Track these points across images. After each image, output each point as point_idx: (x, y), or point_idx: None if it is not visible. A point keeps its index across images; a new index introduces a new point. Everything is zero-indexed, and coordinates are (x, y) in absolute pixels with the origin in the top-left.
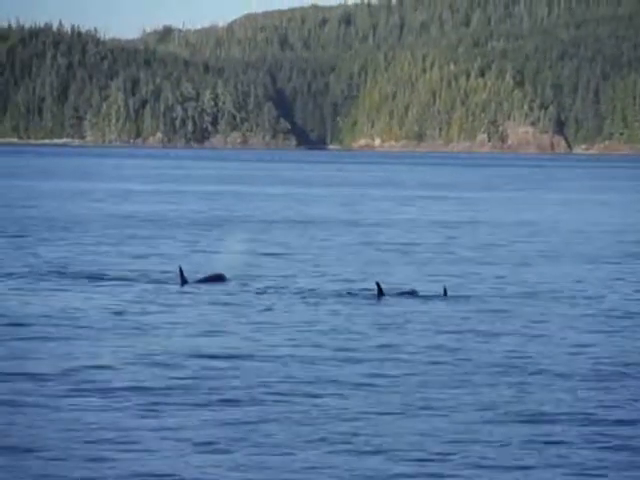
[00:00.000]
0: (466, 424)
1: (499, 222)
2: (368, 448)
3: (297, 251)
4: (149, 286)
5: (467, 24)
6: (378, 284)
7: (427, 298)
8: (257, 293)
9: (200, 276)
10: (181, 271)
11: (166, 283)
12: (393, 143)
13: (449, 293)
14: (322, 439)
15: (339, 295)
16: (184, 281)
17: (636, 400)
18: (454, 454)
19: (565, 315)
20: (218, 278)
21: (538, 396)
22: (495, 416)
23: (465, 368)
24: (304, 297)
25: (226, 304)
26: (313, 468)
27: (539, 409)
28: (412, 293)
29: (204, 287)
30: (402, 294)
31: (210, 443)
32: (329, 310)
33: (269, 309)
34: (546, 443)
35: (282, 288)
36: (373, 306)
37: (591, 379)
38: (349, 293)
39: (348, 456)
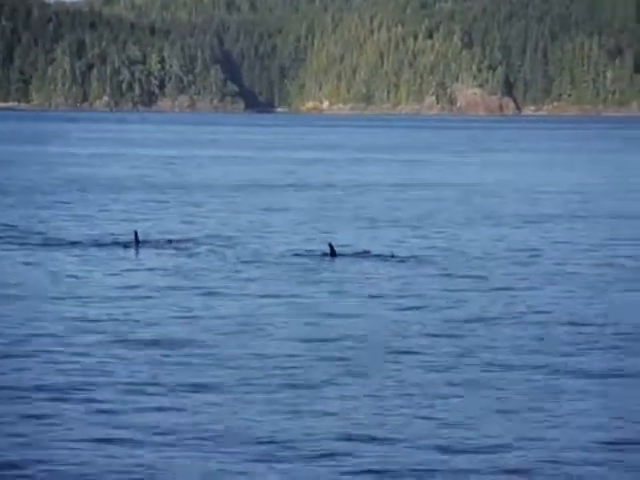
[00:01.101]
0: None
1: (446, 183)
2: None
3: (245, 214)
4: (97, 249)
5: None
6: (331, 245)
7: (379, 258)
8: (207, 255)
9: (151, 239)
10: (136, 235)
11: (114, 246)
12: (341, 106)
13: (397, 254)
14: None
15: (291, 256)
16: (137, 242)
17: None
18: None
19: (507, 274)
20: (169, 242)
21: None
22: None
23: (412, 324)
24: (254, 259)
25: (175, 267)
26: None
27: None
28: (364, 254)
29: (155, 251)
30: (354, 255)
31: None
32: (281, 271)
33: (218, 272)
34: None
35: (231, 249)
36: (326, 266)
37: (535, 336)
38: (298, 254)
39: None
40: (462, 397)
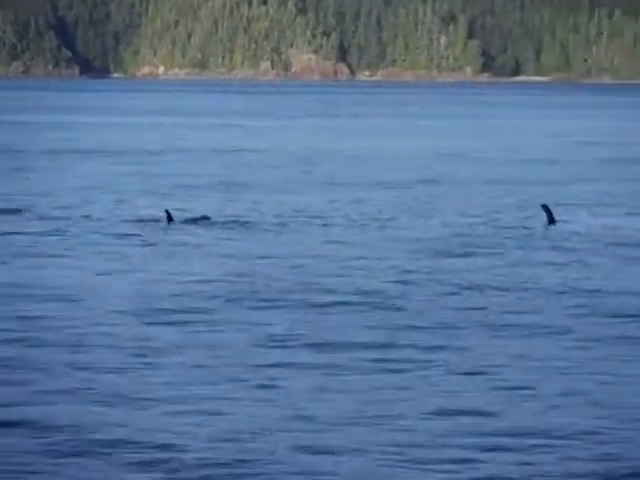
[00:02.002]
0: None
1: (281, 150)
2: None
3: (81, 181)
4: None
5: None
6: (167, 211)
7: (221, 224)
8: (47, 220)
9: None
10: None
11: None
12: (176, 71)
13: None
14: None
15: (128, 222)
16: None
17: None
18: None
19: (338, 236)
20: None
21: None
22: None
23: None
24: (92, 226)
25: None
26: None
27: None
28: (204, 219)
29: None
30: (192, 220)
31: None
32: (118, 235)
33: (61, 235)
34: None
35: (68, 218)
36: (160, 232)
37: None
38: (138, 220)
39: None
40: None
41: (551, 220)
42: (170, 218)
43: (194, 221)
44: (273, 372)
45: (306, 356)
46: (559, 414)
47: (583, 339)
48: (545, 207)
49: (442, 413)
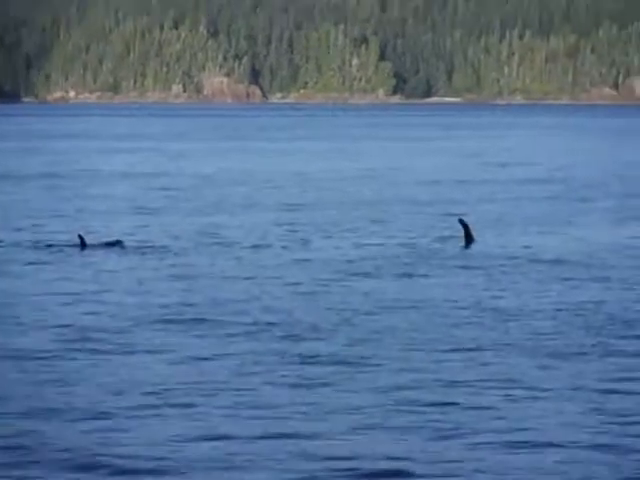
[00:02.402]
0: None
1: (194, 173)
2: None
3: None
4: None
5: None
6: (80, 236)
7: (135, 248)
8: None
9: None
10: None
11: None
12: (88, 95)
13: (128, 244)
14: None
15: (40, 246)
16: None
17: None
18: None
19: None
20: None
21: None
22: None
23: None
24: (3, 251)
25: None
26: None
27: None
28: (118, 243)
29: None
30: (106, 245)
31: None
32: (30, 260)
33: None
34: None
35: None
36: (74, 257)
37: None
38: (50, 245)
39: None
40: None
41: (469, 238)
42: (83, 243)
43: (108, 245)
44: (189, 392)
45: (221, 376)
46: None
47: (493, 354)
48: (463, 224)
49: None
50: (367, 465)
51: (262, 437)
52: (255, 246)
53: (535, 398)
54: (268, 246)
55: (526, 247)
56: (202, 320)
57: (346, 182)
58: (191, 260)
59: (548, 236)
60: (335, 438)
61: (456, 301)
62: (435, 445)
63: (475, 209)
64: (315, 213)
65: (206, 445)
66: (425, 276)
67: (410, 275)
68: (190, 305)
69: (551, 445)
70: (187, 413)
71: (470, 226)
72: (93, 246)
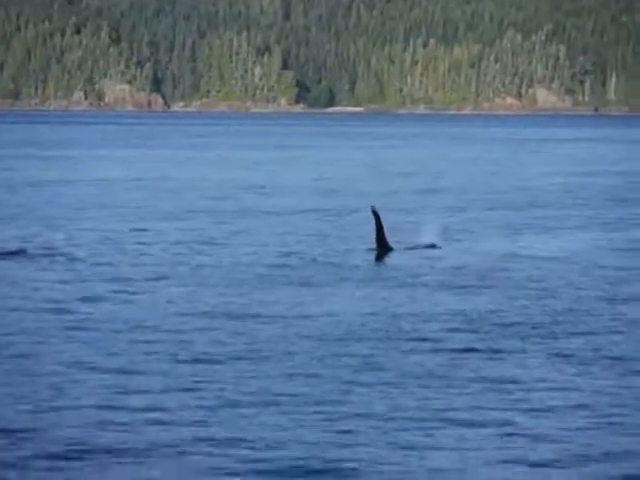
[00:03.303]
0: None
1: (95, 180)
2: None
3: None
4: None
5: None
6: None
7: (40, 256)
8: None
9: None
10: None
11: None
12: None
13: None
14: None
15: None
16: None
17: None
18: None
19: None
20: None
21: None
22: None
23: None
24: None
25: None
26: None
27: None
28: (20, 252)
29: None
30: (8, 254)
31: None
32: None
33: None
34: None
35: None
36: None
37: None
38: None
39: None
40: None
41: (379, 228)
42: None
43: (10, 254)
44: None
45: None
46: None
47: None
48: (374, 213)
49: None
50: None
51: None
52: (153, 255)
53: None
54: (165, 256)
55: (426, 257)
56: (95, 328)
57: (244, 191)
58: (93, 268)
59: (445, 246)
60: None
61: (355, 312)
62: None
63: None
64: (215, 223)
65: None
66: (323, 287)
67: (306, 285)
68: (86, 314)
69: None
70: None
71: (380, 215)
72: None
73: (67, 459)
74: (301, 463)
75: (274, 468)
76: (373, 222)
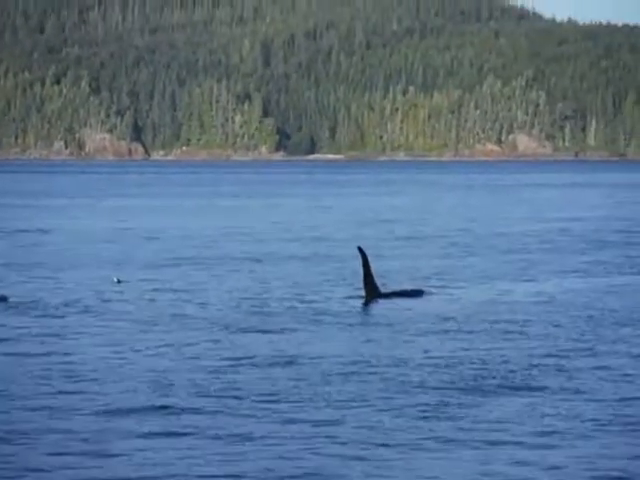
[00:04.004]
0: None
1: (75, 229)
2: None
3: None
4: None
5: (41, 31)
6: None
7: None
8: None
9: None
10: None
11: None
12: None
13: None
14: None
15: None
16: None
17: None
18: None
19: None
20: None
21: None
22: None
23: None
24: None
25: None
26: None
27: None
28: (2, 299)
29: None
30: None
31: None
32: None
33: None
34: None
35: None
36: None
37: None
38: None
39: None
40: None
41: (366, 267)
42: None
43: None
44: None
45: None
46: None
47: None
48: (361, 252)
49: None
50: None
51: None
52: (135, 303)
53: None
54: (149, 302)
55: (412, 304)
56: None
57: (225, 238)
58: (59, 318)
59: (430, 292)
60: None
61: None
62: None
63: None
64: (197, 269)
65: None
66: (303, 331)
67: (289, 330)
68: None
69: None
70: None
71: (367, 256)
72: None
73: None
74: None
75: None
76: (360, 262)
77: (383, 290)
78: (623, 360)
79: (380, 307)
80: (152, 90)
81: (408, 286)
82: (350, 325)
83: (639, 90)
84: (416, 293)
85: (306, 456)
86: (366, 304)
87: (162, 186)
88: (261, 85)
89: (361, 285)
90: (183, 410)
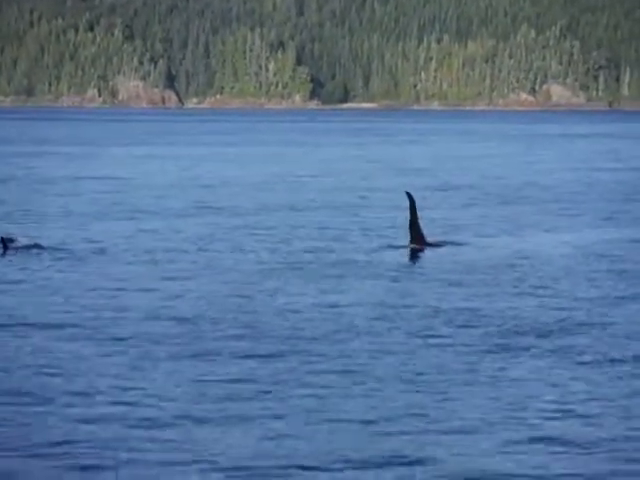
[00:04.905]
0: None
1: (110, 178)
2: None
3: None
4: None
5: None
6: (2, 238)
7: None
8: None
9: None
10: None
11: None
12: (2, 98)
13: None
14: None
15: None
16: None
17: None
18: None
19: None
20: None
21: None
22: None
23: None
24: None
25: None
26: None
27: None
28: (36, 246)
29: None
30: (27, 247)
31: None
32: None
33: None
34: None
35: None
36: None
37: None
38: None
39: None
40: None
41: (413, 212)
42: (5, 246)
43: (29, 248)
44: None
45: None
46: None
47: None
48: (409, 197)
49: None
50: None
51: None
52: (164, 251)
53: None
54: (175, 253)
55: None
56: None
57: (268, 187)
58: (103, 265)
59: (463, 243)
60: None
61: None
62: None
63: (385, 215)
64: (236, 219)
65: None
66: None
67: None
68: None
69: None
70: None
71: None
72: (15, 249)
73: None
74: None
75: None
76: (407, 207)
77: (429, 240)
78: None
79: (426, 256)
80: (186, 38)
81: (446, 237)
82: (396, 273)
83: None
84: (461, 244)
85: (336, 400)
86: (412, 253)
87: (197, 135)
88: (295, 34)
89: (405, 233)
90: (219, 354)
